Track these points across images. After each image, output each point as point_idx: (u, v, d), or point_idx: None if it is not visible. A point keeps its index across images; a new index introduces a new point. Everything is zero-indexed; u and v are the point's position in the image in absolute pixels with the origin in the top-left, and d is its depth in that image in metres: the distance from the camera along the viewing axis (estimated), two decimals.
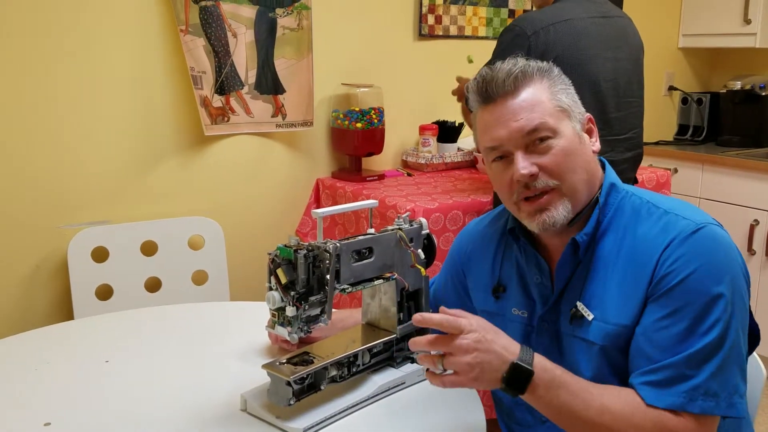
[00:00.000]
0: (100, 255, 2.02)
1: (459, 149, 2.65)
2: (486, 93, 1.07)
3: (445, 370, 0.96)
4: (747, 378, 1.01)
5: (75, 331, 1.49)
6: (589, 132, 1.11)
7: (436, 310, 1.34)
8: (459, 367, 0.94)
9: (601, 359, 1.04)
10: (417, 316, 0.98)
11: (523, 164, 1.04)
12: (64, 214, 2.02)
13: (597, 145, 1.11)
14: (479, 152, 1.15)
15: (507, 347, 0.96)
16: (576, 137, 1.07)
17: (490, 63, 1.91)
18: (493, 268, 1.21)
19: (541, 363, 0.96)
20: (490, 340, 0.95)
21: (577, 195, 1.06)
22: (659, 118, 3.55)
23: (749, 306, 1.08)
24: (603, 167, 1.14)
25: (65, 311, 2.02)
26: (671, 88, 3.57)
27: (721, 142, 3.34)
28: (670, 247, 1.00)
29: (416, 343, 0.98)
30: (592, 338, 1.04)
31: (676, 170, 3.15)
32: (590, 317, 1.04)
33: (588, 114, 1.11)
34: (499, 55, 1.89)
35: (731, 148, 3.21)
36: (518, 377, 0.94)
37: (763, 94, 3.23)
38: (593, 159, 1.10)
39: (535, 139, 1.04)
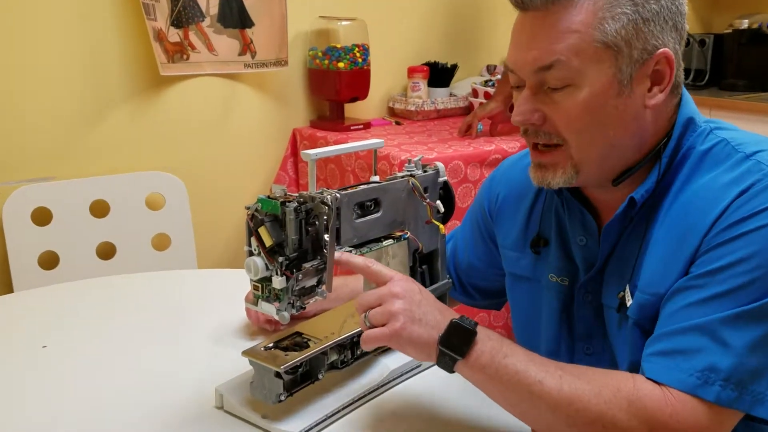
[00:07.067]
0: (42, 217, 1.93)
1: (452, 95, 2.51)
2: None
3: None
4: None
5: (14, 307, 1.39)
6: (659, 76, 0.85)
7: (455, 273, 1.17)
8: (384, 318, 0.83)
9: (635, 335, 0.87)
10: (338, 255, 0.88)
11: (522, 108, 0.89)
12: None
13: (658, 98, 0.86)
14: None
15: (442, 309, 0.85)
16: (614, 87, 0.84)
17: None
18: (531, 220, 1.04)
19: (485, 330, 0.84)
20: (422, 299, 0.85)
21: (590, 162, 0.88)
22: None
23: None
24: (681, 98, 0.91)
25: (2, 283, 1.93)
26: None
27: (724, 86, 3.28)
28: (742, 198, 0.79)
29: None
30: (629, 312, 0.89)
31: None
32: (629, 303, 0.89)
33: (665, 50, 0.84)
34: None
35: (736, 93, 3.15)
36: (457, 336, 0.81)
37: None
38: (643, 114, 0.87)
39: (547, 82, 0.85)
